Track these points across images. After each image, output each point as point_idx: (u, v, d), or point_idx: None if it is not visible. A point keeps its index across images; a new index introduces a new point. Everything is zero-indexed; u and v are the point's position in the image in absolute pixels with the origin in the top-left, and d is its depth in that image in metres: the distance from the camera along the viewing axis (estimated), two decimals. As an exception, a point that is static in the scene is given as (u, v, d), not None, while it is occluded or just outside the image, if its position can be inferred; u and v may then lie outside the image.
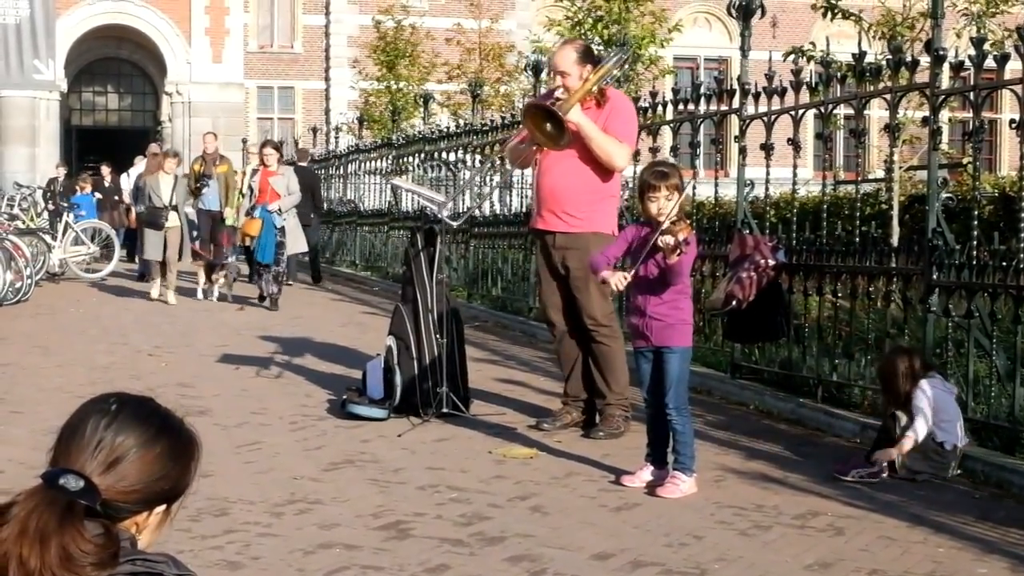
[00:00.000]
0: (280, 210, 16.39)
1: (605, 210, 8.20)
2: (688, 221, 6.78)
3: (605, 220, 8.17)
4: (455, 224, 9.36)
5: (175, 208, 17.29)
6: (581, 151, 8.05)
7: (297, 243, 17.20)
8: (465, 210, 12.85)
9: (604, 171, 8.11)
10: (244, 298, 16.98)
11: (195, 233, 19.86)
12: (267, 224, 16.36)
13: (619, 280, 6.67)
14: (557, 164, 8.16)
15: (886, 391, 7.37)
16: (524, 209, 15.46)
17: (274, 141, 18.10)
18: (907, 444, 7.05)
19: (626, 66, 8.15)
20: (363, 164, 24.20)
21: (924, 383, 7.11)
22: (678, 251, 6.40)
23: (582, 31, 24.83)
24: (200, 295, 17.50)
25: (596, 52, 8.70)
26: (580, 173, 8.08)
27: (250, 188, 17.03)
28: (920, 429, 7.04)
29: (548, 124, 7.91)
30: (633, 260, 6.70)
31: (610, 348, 8.10)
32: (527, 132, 8.20)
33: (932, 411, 7.05)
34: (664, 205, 6.56)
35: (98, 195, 26.64)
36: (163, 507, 2.34)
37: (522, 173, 16.47)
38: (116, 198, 27.17)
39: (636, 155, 11.74)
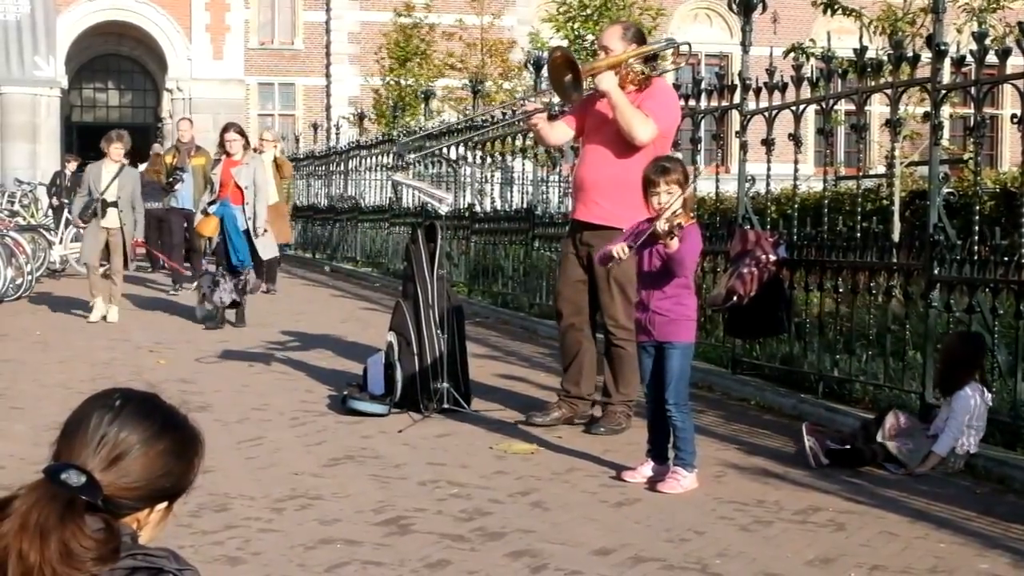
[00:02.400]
0: (265, 230, 13.99)
1: (632, 203, 7.74)
2: (692, 214, 6.79)
3: (631, 213, 7.88)
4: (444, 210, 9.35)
5: (115, 204, 14.32)
6: (609, 140, 7.99)
7: (267, 248, 14.40)
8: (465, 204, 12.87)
9: (629, 161, 7.90)
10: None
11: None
12: (229, 222, 13.72)
13: (620, 249, 6.66)
14: (588, 154, 8.18)
15: (947, 370, 7.26)
16: (524, 205, 15.47)
17: (238, 125, 14.87)
18: (931, 462, 7.05)
19: (681, 61, 8.10)
20: (364, 160, 24.21)
21: (976, 389, 7.10)
22: (672, 235, 6.42)
23: (575, 27, 24.98)
24: (200, 313, 14.34)
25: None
26: (605, 162, 8.02)
27: (209, 181, 14.60)
28: (945, 447, 7.03)
29: (569, 75, 7.90)
30: (638, 246, 6.70)
31: (626, 351, 7.98)
32: (549, 80, 8.23)
33: (967, 421, 7.05)
34: (666, 200, 6.57)
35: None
36: (165, 504, 2.33)
37: (522, 169, 16.51)
38: None
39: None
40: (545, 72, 8.24)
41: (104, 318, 14.20)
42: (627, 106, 7.92)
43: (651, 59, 8.28)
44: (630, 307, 7.93)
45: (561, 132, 8.51)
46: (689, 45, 8.73)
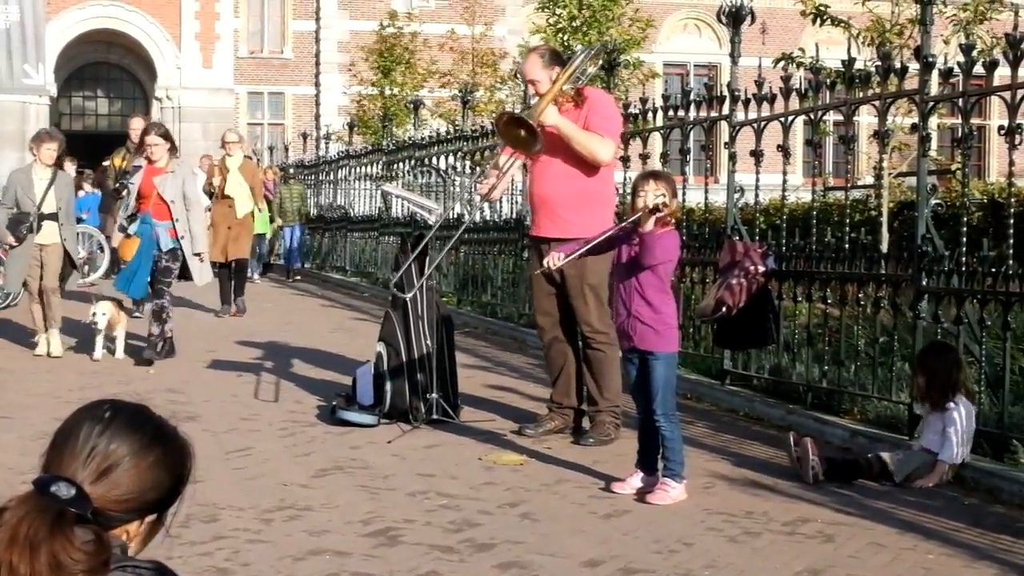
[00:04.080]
0: (200, 256, 11.88)
1: (598, 214, 8.15)
2: (672, 223, 6.84)
3: (599, 225, 8.12)
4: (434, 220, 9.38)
5: (52, 217, 11.90)
6: (567, 155, 8.07)
7: (203, 273, 12.15)
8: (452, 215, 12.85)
9: (593, 173, 8.12)
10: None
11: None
12: (146, 243, 11.50)
13: (553, 258, 6.93)
14: (547, 170, 8.19)
15: (932, 385, 7.28)
16: (514, 215, 15.48)
17: (161, 125, 12.46)
18: (939, 471, 7.06)
19: (600, 61, 8.27)
20: (353, 170, 24.21)
21: (964, 401, 7.13)
22: (656, 212, 6.47)
23: (564, 38, 25.06)
24: (99, 350, 11.79)
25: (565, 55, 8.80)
26: (570, 177, 8.10)
27: (125, 189, 12.19)
28: (950, 455, 7.05)
29: (521, 131, 7.93)
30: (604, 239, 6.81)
31: (605, 355, 8.09)
32: (506, 144, 8.30)
33: (961, 432, 7.08)
34: (652, 200, 6.59)
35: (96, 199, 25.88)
36: (154, 516, 2.33)
37: (512, 180, 16.51)
38: None
39: (626, 161, 11.79)
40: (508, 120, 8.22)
41: (48, 353, 11.95)
42: (580, 133, 8.05)
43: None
44: (604, 310, 8.09)
45: (503, 183, 8.58)
46: (605, 44, 8.79)
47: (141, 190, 11.74)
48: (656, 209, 6.50)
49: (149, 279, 11.74)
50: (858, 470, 7.15)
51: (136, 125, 16.13)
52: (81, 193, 25.62)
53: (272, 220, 23.54)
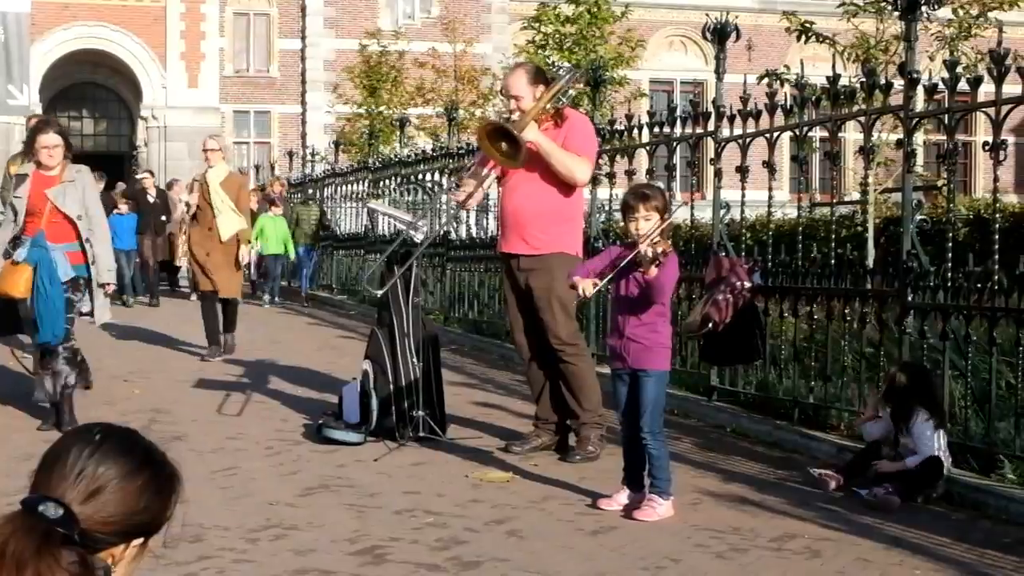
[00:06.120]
0: (105, 290, 9.37)
1: (569, 232, 8.23)
2: (669, 242, 6.83)
3: (569, 241, 8.18)
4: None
5: None
6: (543, 173, 8.09)
7: (104, 308, 9.46)
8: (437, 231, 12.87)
9: (566, 193, 8.15)
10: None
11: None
12: (45, 271, 8.83)
13: (588, 285, 6.70)
14: (520, 187, 8.20)
15: (896, 402, 7.35)
16: (499, 233, 15.51)
17: (58, 123, 9.90)
18: (903, 464, 7.11)
19: (580, 83, 8.36)
20: (339, 188, 24.20)
21: (923, 415, 7.17)
22: (656, 262, 6.44)
23: (547, 55, 25.11)
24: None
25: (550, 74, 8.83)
26: (542, 195, 8.11)
27: (10, 207, 9.38)
28: (915, 461, 7.10)
29: (503, 143, 7.94)
30: (613, 277, 6.72)
31: (578, 367, 8.11)
32: (484, 155, 8.30)
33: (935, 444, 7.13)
34: (643, 226, 6.59)
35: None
36: (140, 540, 2.33)
37: (498, 196, 16.55)
38: (163, 218, 22.62)
39: (612, 177, 11.80)
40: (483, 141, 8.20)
41: None
42: (559, 151, 8.06)
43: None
44: (572, 323, 8.15)
45: (479, 193, 8.60)
46: (586, 69, 8.81)
47: (30, 203, 9.11)
48: (656, 259, 6.47)
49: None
50: (867, 458, 7.24)
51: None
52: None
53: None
